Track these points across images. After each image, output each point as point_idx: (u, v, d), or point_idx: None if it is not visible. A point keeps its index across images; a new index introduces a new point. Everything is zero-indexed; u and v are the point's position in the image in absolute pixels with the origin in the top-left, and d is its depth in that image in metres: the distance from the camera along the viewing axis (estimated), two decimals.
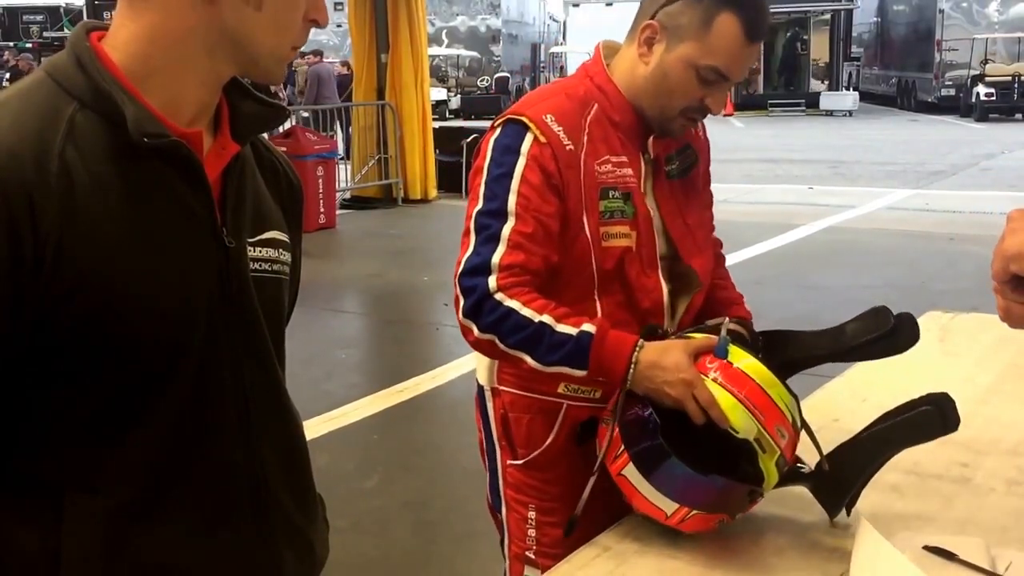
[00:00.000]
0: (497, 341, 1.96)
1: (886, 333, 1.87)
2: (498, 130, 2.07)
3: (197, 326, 1.32)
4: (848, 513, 1.91)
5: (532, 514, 2.20)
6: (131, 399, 1.29)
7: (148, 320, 1.27)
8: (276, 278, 1.45)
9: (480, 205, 2.01)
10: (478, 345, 2.03)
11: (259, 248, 1.42)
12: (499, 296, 1.94)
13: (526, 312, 1.93)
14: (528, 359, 1.95)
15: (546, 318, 1.93)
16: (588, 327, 1.93)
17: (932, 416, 1.82)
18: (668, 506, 1.82)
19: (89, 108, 1.26)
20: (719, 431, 1.81)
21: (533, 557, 2.21)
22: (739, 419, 1.79)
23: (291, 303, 1.56)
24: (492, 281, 1.95)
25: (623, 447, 1.86)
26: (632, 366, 1.88)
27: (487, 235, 1.98)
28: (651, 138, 2.10)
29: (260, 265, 1.42)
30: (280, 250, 1.46)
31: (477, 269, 1.97)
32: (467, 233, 2.02)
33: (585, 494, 1.94)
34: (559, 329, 1.92)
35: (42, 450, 1.29)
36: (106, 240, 1.23)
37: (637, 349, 1.89)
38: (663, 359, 1.87)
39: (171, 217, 1.30)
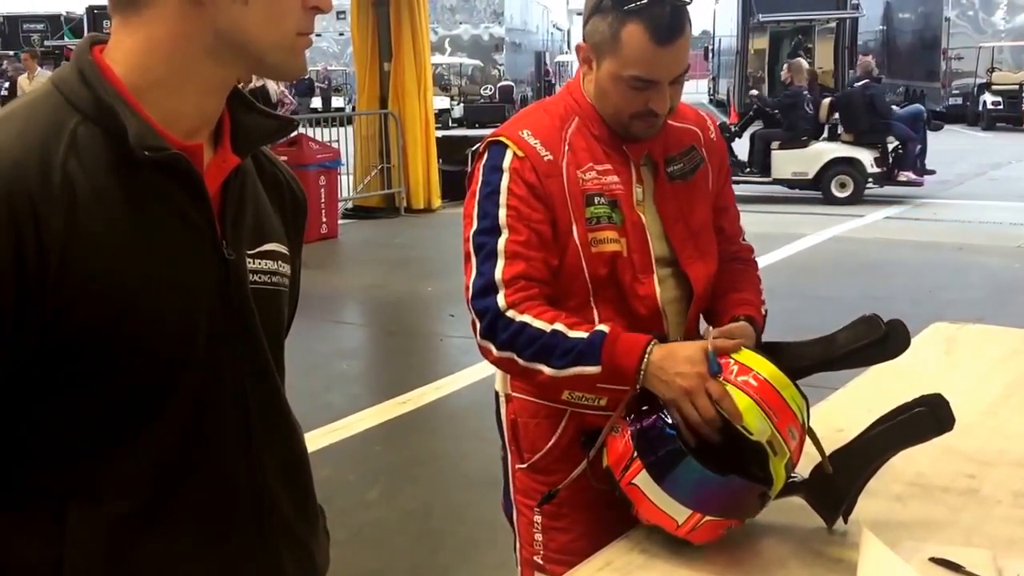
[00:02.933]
0: (515, 357, 2.00)
1: (877, 340, 1.89)
2: (484, 155, 2.14)
3: (198, 337, 1.32)
4: (845, 521, 1.91)
5: (538, 518, 2.24)
6: (133, 410, 1.30)
7: (149, 331, 1.27)
8: (275, 290, 1.46)
9: (475, 226, 2.09)
10: (499, 364, 2.08)
11: (258, 260, 1.42)
12: (510, 313, 1.99)
13: (538, 324, 1.97)
14: (544, 368, 1.97)
15: (559, 326, 1.97)
16: (601, 327, 1.97)
17: (926, 417, 1.84)
18: (680, 514, 1.81)
19: (91, 121, 1.27)
20: (729, 435, 1.80)
21: (541, 563, 2.24)
22: (754, 420, 1.79)
23: (290, 315, 1.57)
24: (501, 299, 2.00)
25: (635, 455, 1.85)
26: (646, 356, 1.90)
27: (485, 253, 2.05)
28: (625, 146, 2.14)
29: (259, 277, 1.42)
30: (279, 262, 1.47)
31: (484, 289, 2.03)
32: (468, 257, 2.09)
33: (575, 473, 1.95)
34: (572, 335, 1.96)
35: (44, 460, 1.29)
36: (108, 252, 1.24)
37: (650, 344, 1.92)
38: (676, 353, 1.89)
39: (172, 229, 1.31)
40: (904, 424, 1.86)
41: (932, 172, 14.86)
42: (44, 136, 1.24)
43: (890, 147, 14.21)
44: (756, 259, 2.40)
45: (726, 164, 2.36)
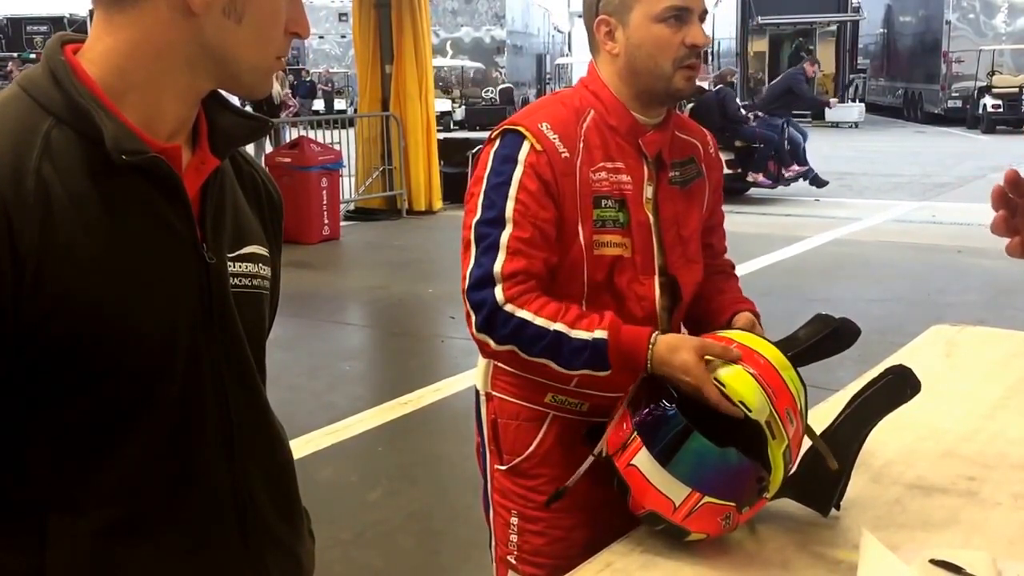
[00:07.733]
0: (518, 351, 1.99)
1: (831, 332, 1.97)
2: (497, 142, 2.11)
3: (180, 343, 1.30)
4: (837, 508, 1.96)
5: (515, 520, 2.24)
6: (115, 419, 1.28)
7: (130, 341, 1.25)
8: (256, 293, 1.44)
9: (479, 215, 2.05)
10: (498, 357, 2.06)
11: (239, 263, 1.40)
12: (509, 308, 1.98)
13: (539, 322, 1.97)
14: (553, 365, 1.98)
15: (560, 326, 1.96)
16: (600, 333, 1.96)
17: (896, 383, 1.96)
18: (678, 494, 1.81)
19: (66, 124, 1.23)
20: (728, 419, 1.83)
21: (514, 562, 2.25)
22: (754, 397, 1.82)
23: (271, 317, 1.54)
24: (499, 292, 1.98)
25: (634, 435, 1.85)
26: (650, 349, 1.93)
27: (487, 244, 2.02)
28: (641, 141, 2.13)
29: (240, 280, 1.40)
30: (260, 265, 1.44)
31: (482, 281, 2.00)
32: (467, 245, 2.06)
33: (581, 469, 1.94)
34: (574, 335, 1.96)
35: (25, 471, 1.27)
36: (86, 259, 1.21)
37: (651, 345, 1.93)
38: (677, 353, 1.90)
39: (151, 234, 1.28)
40: (878, 394, 1.95)
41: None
42: (15, 140, 1.20)
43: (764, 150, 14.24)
44: (737, 274, 2.44)
45: (721, 182, 2.39)
